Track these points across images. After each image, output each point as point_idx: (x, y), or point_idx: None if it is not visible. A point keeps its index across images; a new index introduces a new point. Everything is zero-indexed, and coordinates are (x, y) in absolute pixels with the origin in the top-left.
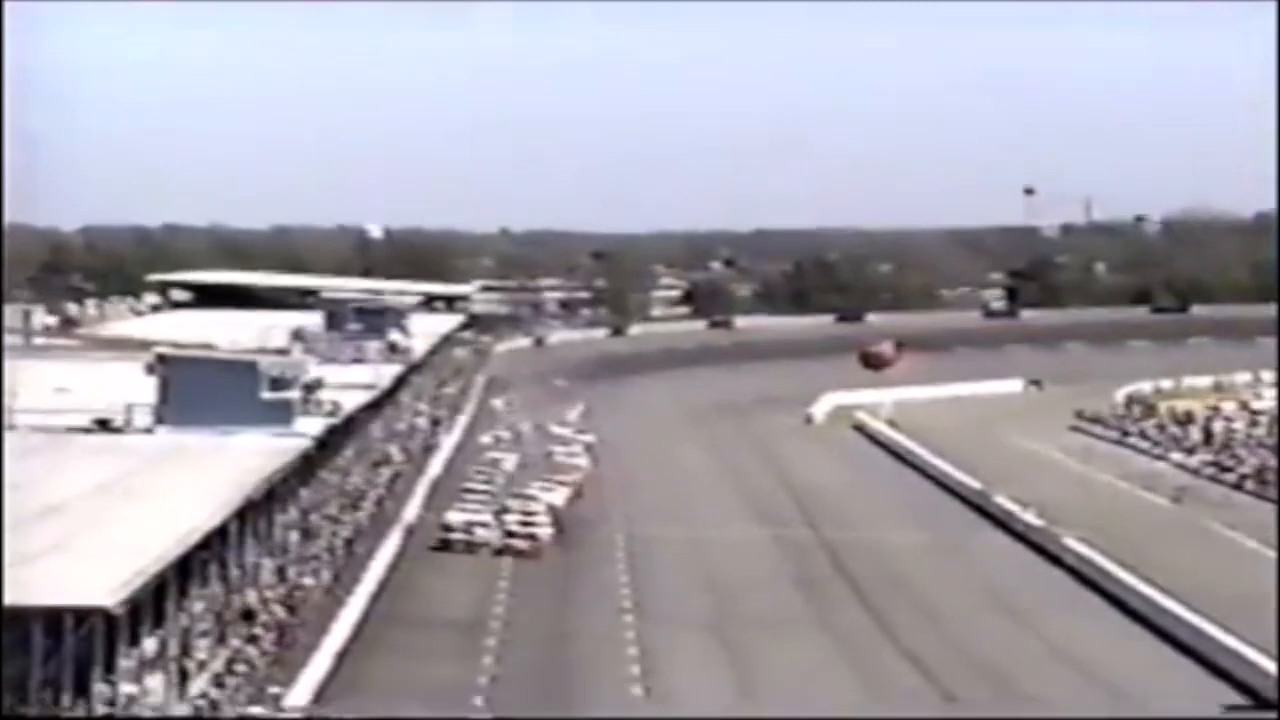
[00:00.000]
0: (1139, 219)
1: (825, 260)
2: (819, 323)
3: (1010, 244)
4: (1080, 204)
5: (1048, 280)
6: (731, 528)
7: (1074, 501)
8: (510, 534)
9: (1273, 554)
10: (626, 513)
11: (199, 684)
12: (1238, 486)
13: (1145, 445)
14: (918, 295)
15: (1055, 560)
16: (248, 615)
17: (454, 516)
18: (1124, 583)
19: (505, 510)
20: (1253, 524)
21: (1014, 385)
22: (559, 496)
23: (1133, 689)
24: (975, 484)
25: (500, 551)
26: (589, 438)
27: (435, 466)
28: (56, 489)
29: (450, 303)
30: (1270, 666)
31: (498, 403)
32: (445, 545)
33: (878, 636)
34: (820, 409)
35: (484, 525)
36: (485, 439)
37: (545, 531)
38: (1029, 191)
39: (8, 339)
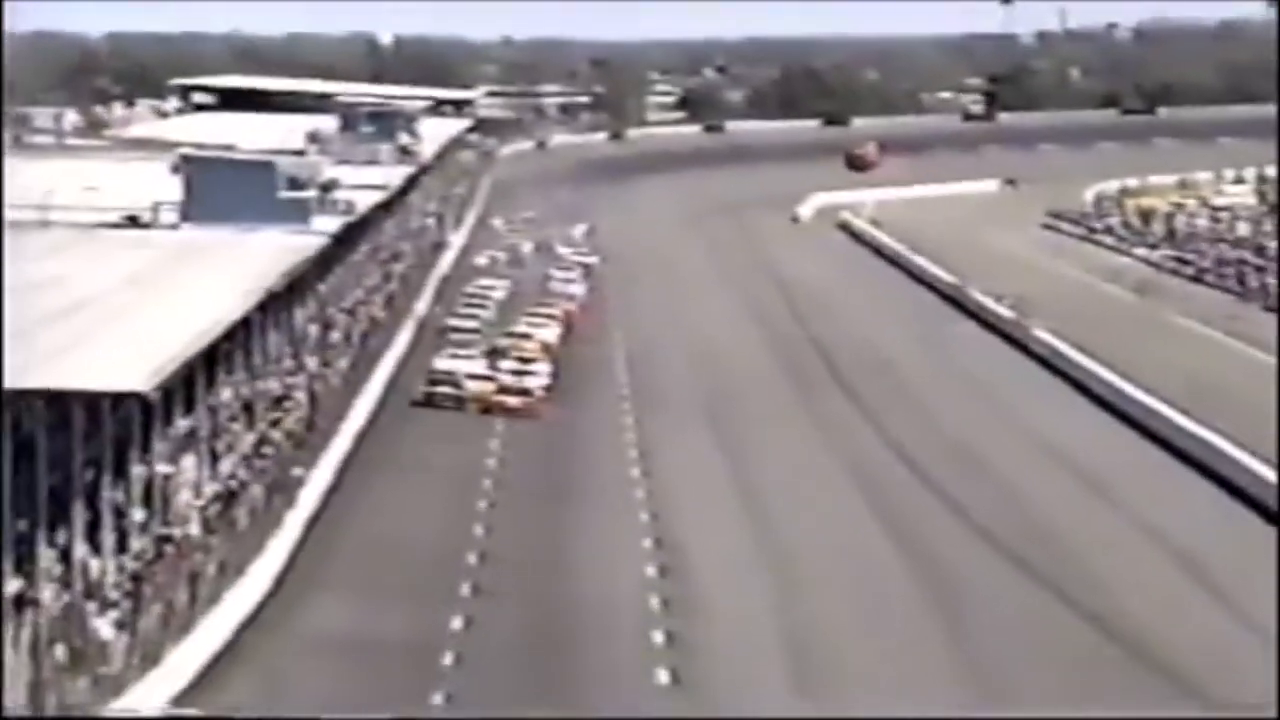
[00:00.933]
0: (1111, 26)
1: (813, 67)
2: (806, 127)
3: (989, 51)
4: (1056, 12)
5: (1024, 85)
6: (725, 327)
7: (1043, 294)
8: (502, 389)
9: (1227, 339)
10: (625, 325)
11: (227, 464)
12: (1196, 279)
13: (1111, 241)
14: (901, 100)
15: (1025, 349)
16: (278, 401)
17: (441, 364)
18: (1087, 369)
19: (496, 353)
20: (1208, 314)
21: (990, 185)
22: (550, 333)
23: (1091, 464)
24: (951, 279)
25: (487, 410)
26: (591, 259)
27: (444, 264)
28: (90, 281)
29: (457, 107)
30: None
31: (497, 221)
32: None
33: (857, 420)
34: (807, 209)
35: (473, 377)
36: (481, 259)
37: (539, 381)
38: (1007, 0)
39: (40, 139)
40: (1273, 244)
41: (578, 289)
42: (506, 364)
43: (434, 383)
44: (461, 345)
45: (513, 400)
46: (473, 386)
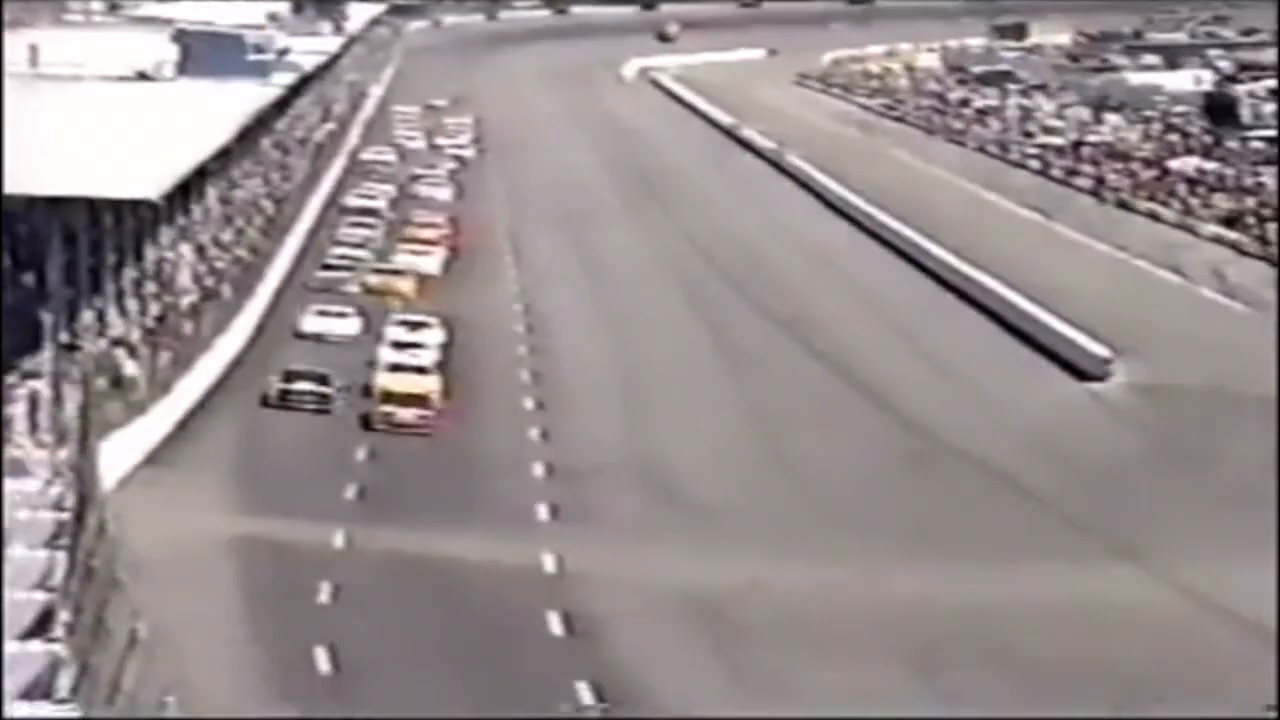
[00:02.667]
0: None
1: None
2: (629, 10)
3: None
4: None
5: None
6: (569, 152)
7: (794, 133)
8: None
9: (917, 161)
10: (495, 153)
11: (222, 263)
12: (900, 120)
13: (840, 94)
14: None
15: (780, 169)
16: (245, 207)
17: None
18: (824, 183)
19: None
20: (912, 146)
21: (758, 54)
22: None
23: (828, 253)
24: (729, 120)
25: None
26: (466, 149)
27: (368, 109)
28: (108, 112)
29: None
30: (911, 232)
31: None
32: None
33: (667, 222)
34: (629, 70)
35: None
36: (369, 154)
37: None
38: None
39: (71, 15)
40: (953, 94)
41: (445, 193)
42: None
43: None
44: (334, 286)
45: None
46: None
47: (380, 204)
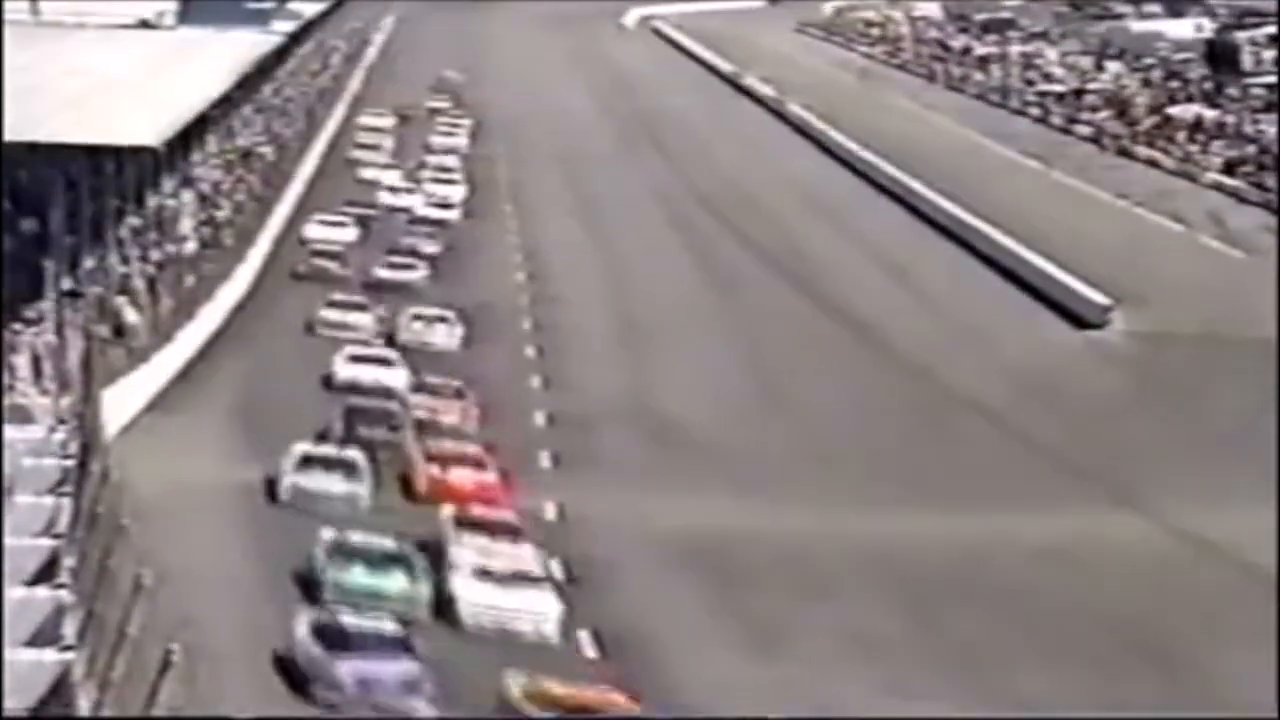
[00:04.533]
0: None
1: None
2: None
3: None
4: None
5: None
6: (571, 98)
7: (794, 80)
8: None
9: (917, 108)
10: (496, 103)
11: (224, 211)
12: (900, 68)
13: (841, 42)
14: None
15: (781, 116)
16: (245, 155)
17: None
18: (823, 129)
19: None
20: (912, 93)
21: (760, 2)
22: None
23: (824, 197)
24: (730, 67)
25: None
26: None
27: (370, 55)
28: (110, 59)
29: None
30: (909, 179)
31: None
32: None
33: (666, 166)
34: (630, 19)
35: None
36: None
37: None
38: None
39: None
40: (954, 42)
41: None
42: None
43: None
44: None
45: None
46: None
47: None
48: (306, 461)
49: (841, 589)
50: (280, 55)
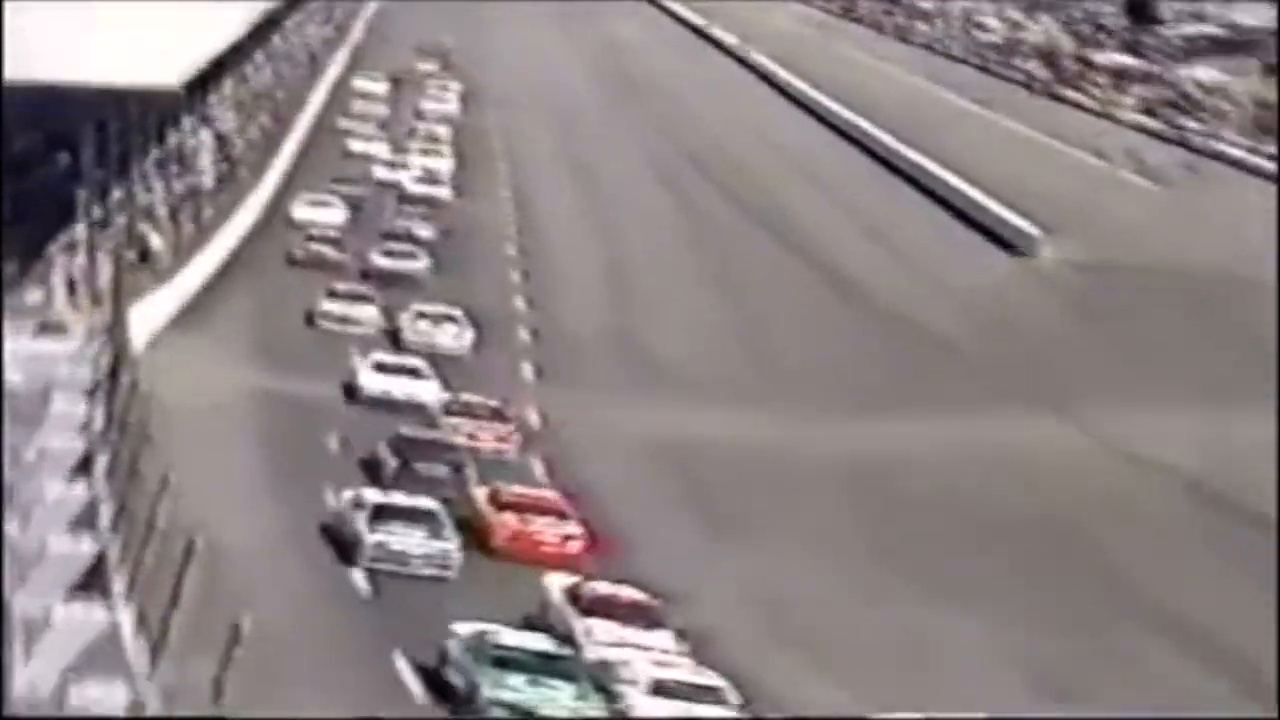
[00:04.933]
0: None
1: None
2: None
3: None
4: None
5: None
6: (563, 74)
7: (757, 33)
8: None
9: (868, 56)
10: (495, 80)
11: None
12: (855, 20)
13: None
14: None
15: (745, 64)
16: (257, 97)
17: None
18: (783, 77)
19: None
20: (865, 44)
21: None
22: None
23: (791, 143)
24: (701, 21)
25: None
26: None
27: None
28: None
29: None
30: (862, 121)
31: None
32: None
33: (638, 109)
34: None
35: None
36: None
37: None
38: None
39: None
40: None
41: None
42: None
43: None
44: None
45: None
46: None
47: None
48: (380, 514)
49: (797, 489)
50: (290, 5)
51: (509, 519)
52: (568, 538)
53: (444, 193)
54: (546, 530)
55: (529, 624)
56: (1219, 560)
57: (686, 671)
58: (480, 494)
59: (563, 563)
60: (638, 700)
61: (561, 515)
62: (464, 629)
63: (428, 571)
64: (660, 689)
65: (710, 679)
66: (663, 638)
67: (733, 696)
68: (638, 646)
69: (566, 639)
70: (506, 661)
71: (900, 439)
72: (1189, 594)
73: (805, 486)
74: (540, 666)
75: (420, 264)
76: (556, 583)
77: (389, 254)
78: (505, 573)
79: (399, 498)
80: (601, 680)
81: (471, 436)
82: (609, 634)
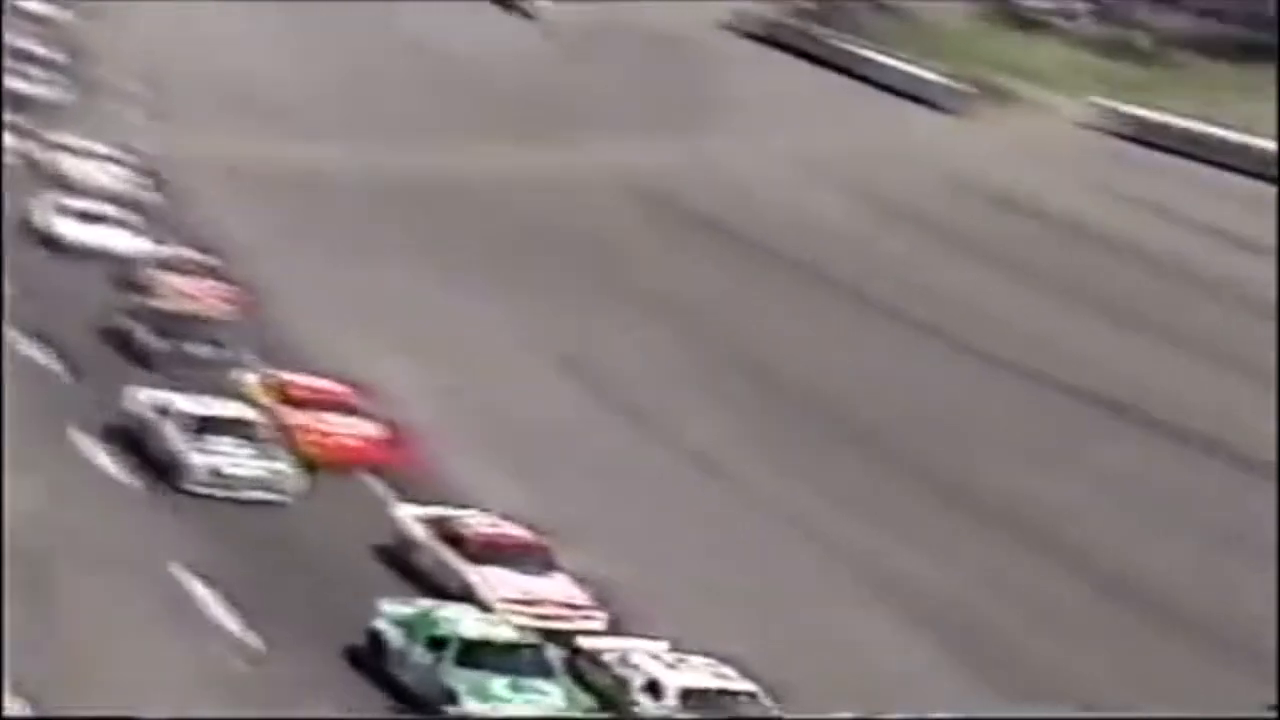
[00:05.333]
0: None
1: None
2: None
3: None
4: None
5: None
6: None
7: None
8: None
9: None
10: None
11: None
12: None
13: None
14: None
15: None
16: None
17: None
18: None
19: None
20: None
21: None
22: None
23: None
24: None
25: None
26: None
27: None
28: None
29: None
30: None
31: None
32: None
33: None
34: None
35: None
36: None
37: None
38: None
39: None
40: None
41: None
42: None
43: None
44: None
45: None
46: None
47: None
48: (205, 429)
49: (404, 228)
50: None
51: (303, 418)
52: (371, 438)
53: None
54: (347, 430)
55: (393, 561)
56: (664, 242)
57: (707, 674)
58: (254, 385)
59: (369, 465)
60: (670, 704)
61: (356, 411)
62: (392, 607)
63: (262, 496)
64: (689, 697)
65: (741, 683)
66: (563, 583)
67: (766, 700)
68: (554, 604)
69: (464, 594)
70: (479, 662)
71: (453, 168)
72: (661, 275)
73: (380, 206)
74: (515, 664)
75: None
76: (409, 512)
77: None
78: (318, 484)
79: (220, 406)
80: (581, 670)
81: (181, 295)
82: (510, 585)
